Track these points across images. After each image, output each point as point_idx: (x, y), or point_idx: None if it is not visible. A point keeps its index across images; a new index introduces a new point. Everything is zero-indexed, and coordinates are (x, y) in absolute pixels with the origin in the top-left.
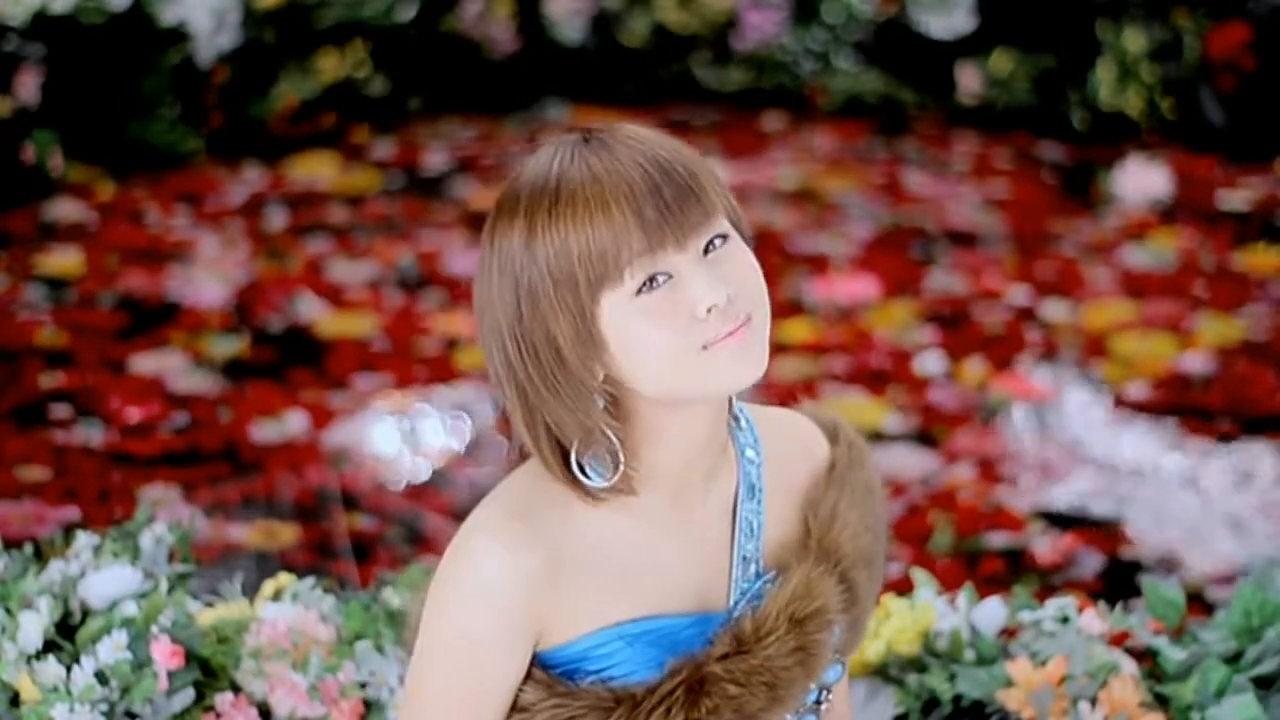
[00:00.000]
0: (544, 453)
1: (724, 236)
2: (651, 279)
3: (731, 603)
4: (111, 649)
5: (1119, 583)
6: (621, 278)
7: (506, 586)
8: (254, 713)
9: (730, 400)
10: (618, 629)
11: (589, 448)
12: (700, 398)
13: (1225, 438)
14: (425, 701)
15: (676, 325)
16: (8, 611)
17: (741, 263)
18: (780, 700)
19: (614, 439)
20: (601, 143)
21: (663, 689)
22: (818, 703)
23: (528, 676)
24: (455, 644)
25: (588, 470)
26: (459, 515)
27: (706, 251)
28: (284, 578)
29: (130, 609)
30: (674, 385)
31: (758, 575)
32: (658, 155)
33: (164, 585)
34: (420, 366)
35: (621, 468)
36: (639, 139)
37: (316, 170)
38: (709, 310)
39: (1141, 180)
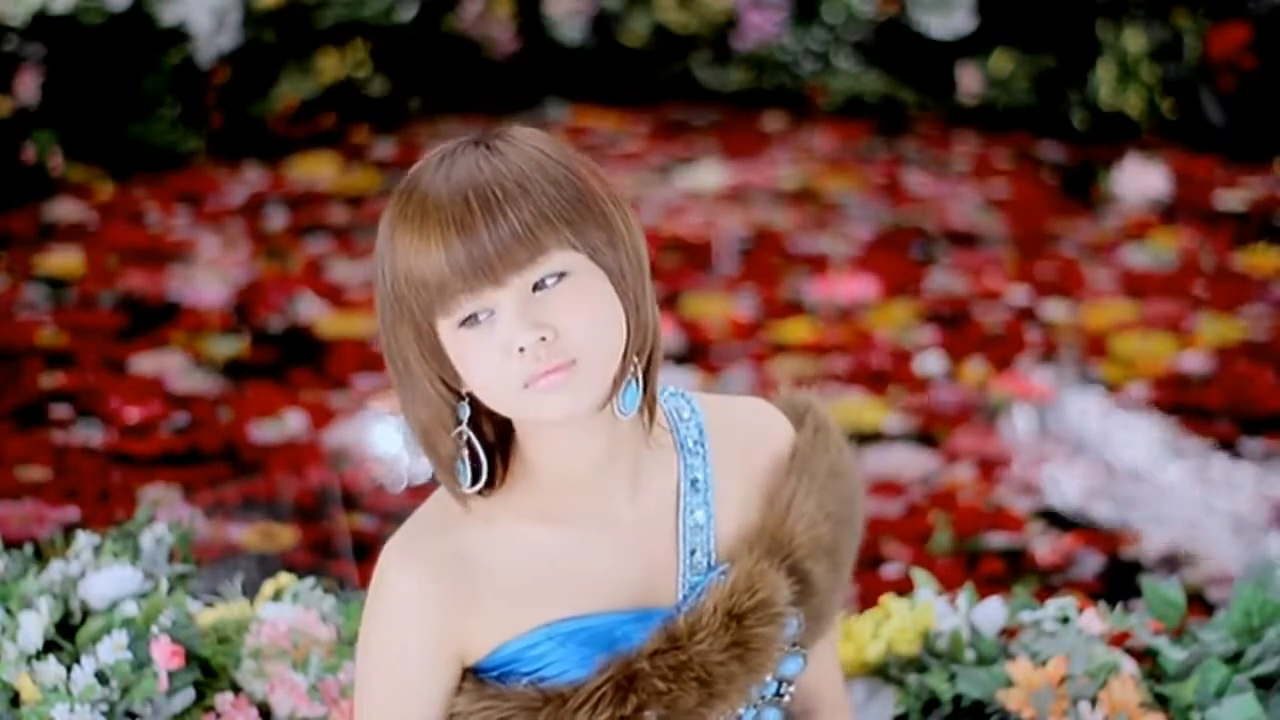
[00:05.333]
0: (426, 455)
1: (560, 274)
2: (474, 314)
3: (680, 597)
4: (111, 649)
5: (1119, 583)
6: (447, 309)
7: (417, 614)
8: (254, 713)
9: (616, 408)
10: (546, 629)
11: (439, 463)
12: (530, 422)
13: (1225, 438)
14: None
15: (493, 360)
16: (8, 611)
17: (578, 304)
18: (719, 696)
19: (475, 446)
20: (451, 170)
21: (590, 686)
22: (779, 695)
23: (459, 688)
24: (380, 671)
25: (463, 473)
26: None
27: (539, 288)
28: (284, 578)
29: (130, 609)
30: (502, 410)
31: (709, 568)
32: (490, 188)
33: (164, 585)
34: None
35: (484, 471)
36: (489, 165)
37: (316, 170)
38: (520, 350)
39: (1141, 180)
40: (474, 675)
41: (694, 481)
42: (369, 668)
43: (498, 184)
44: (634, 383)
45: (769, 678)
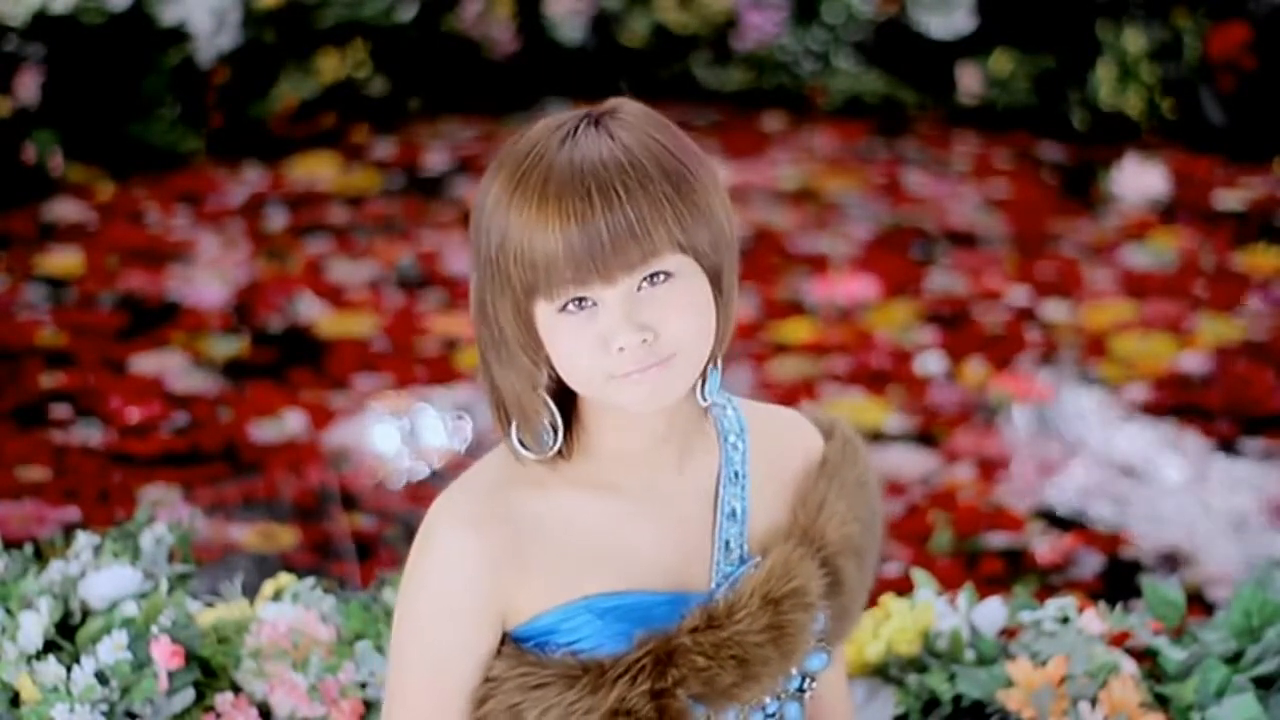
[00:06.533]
0: (492, 415)
1: (666, 274)
2: (579, 300)
3: (713, 585)
4: (111, 649)
5: (1119, 583)
6: (550, 294)
7: (467, 568)
8: (254, 713)
9: (699, 393)
10: (586, 602)
11: (525, 425)
12: (610, 407)
13: (1225, 438)
14: (402, 682)
15: (589, 351)
16: (8, 611)
17: (678, 303)
18: (754, 678)
19: (553, 413)
20: (589, 135)
21: (630, 658)
22: (801, 690)
23: (498, 652)
24: (424, 626)
25: (525, 442)
26: None
27: (646, 283)
28: (284, 578)
29: (130, 609)
30: (586, 393)
31: (741, 560)
32: (615, 179)
33: (164, 585)
34: (420, 366)
35: (560, 437)
36: (623, 142)
37: (316, 170)
38: (620, 349)
39: (1141, 180)
40: (512, 641)
41: (734, 474)
42: (411, 623)
43: (620, 178)
44: (716, 370)
45: (795, 670)
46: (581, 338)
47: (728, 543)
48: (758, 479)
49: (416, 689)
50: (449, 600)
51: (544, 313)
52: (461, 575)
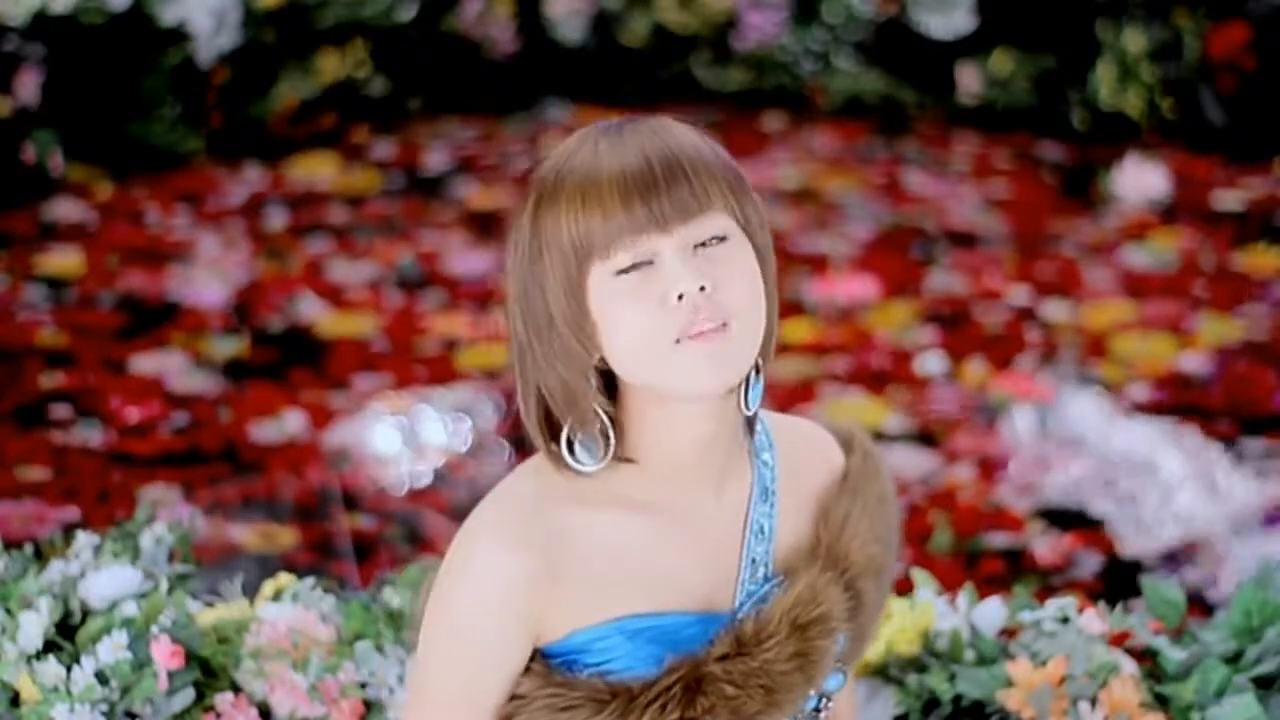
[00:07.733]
0: (533, 426)
1: (722, 238)
2: (634, 265)
3: (737, 604)
4: (111, 649)
5: (1119, 583)
6: (607, 254)
7: (504, 587)
8: (254, 713)
9: (742, 402)
10: (618, 623)
11: (580, 425)
12: (669, 392)
13: (1226, 438)
14: (427, 695)
15: (648, 308)
16: (8, 611)
17: (735, 267)
18: (777, 705)
19: (604, 418)
20: (621, 131)
21: (659, 685)
22: (817, 710)
23: (526, 669)
24: (454, 641)
25: (576, 451)
26: (459, 515)
27: (700, 247)
28: (284, 578)
29: (130, 609)
30: (644, 372)
31: (766, 579)
32: (665, 145)
33: (164, 585)
34: (420, 366)
35: (612, 447)
36: (660, 130)
37: (316, 170)
38: (680, 298)
39: (1141, 180)
40: (541, 659)
41: (764, 491)
42: (443, 635)
43: (670, 143)
44: (759, 377)
45: (813, 692)
46: (640, 295)
47: (754, 560)
48: (782, 494)
49: (444, 703)
50: (483, 617)
51: (599, 280)
52: (498, 597)
